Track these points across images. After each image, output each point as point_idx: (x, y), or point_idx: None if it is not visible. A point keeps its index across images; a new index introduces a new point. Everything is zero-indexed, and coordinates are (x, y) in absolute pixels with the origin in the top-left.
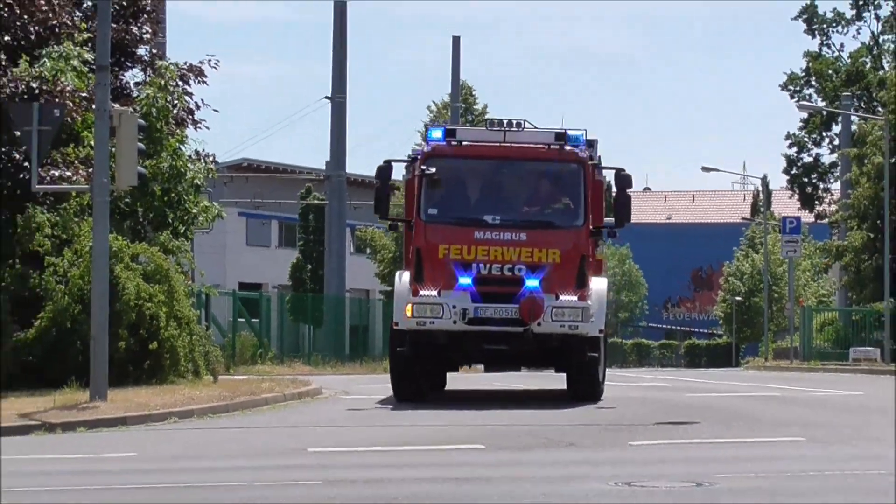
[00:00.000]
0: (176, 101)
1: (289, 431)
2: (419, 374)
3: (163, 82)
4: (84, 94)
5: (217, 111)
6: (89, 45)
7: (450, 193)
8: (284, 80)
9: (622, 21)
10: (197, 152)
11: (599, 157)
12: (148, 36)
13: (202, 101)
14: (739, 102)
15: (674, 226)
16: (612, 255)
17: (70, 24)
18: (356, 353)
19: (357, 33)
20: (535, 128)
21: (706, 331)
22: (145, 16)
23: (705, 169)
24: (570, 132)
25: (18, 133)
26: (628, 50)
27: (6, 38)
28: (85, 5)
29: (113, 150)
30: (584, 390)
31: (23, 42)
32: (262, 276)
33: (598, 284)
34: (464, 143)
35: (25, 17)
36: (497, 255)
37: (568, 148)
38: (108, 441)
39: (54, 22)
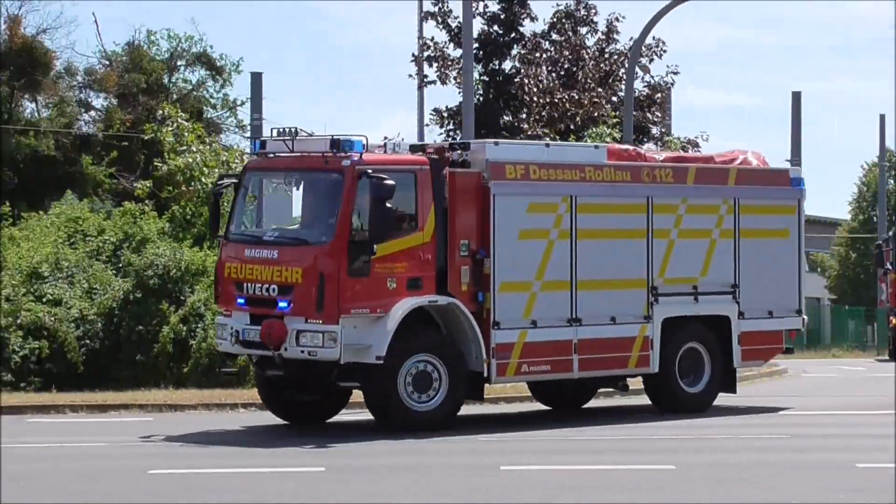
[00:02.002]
0: None
1: (763, 400)
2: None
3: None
4: None
5: None
6: (617, 127)
7: (247, 209)
8: (752, 147)
9: None
10: None
11: (464, 161)
12: (658, 119)
13: None
14: None
15: None
16: None
17: (604, 113)
18: (811, 343)
19: (809, 113)
20: (311, 135)
21: None
22: (656, 105)
23: None
24: (347, 139)
25: None
26: None
27: (561, 125)
28: (614, 99)
29: None
30: (382, 421)
31: (571, 127)
32: None
33: (400, 305)
34: (269, 155)
35: (574, 110)
36: (258, 275)
37: (335, 156)
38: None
39: (595, 113)
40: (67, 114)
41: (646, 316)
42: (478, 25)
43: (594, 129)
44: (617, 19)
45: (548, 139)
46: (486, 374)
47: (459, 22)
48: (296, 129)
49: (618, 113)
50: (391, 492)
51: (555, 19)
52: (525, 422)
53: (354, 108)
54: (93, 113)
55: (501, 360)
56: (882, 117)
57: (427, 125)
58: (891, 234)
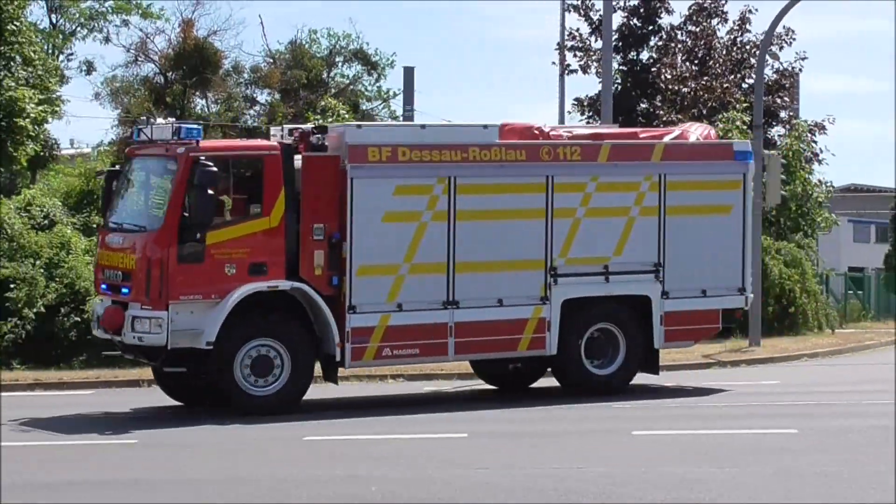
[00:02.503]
0: (805, 147)
1: (884, 367)
2: None
3: (797, 134)
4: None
5: (834, 155)
6: (748, 111)
7: (115, 197)
8: (876, 129)
9: None
10: (819, 181)
11: (322, 145)
12: (787, 104)
13: (825, 147)
14: None
15: None
16: None
17: (735, 99)
18: None
19: None
20: (166, 122)
21: None
22: (785, 90)
23: None
24: (188, 126)
25: None
26: None
27: (693, 111)
28: (744, 85)
29: (763, 180)
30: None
31: (704, 112)
32: (864, 262)
33: (237, 291)
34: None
35: (706, 95)
36: (112, 261)
37: (175, 143)
38: (760, 373)
39: (726, 99)
40: (234, 108)
41: (542, 297)
42: (618, 18)
43: (724, 115)
44: (750, 11)
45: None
46: (339, 358)
47: (600, 15)
48: (149, 116)
49: (748, 98)
50: None
51: (690, 11)
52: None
53: (501, 99)
54: (258, 107)
55: (358, 343)
56: None
57: (569, 112)
58: None
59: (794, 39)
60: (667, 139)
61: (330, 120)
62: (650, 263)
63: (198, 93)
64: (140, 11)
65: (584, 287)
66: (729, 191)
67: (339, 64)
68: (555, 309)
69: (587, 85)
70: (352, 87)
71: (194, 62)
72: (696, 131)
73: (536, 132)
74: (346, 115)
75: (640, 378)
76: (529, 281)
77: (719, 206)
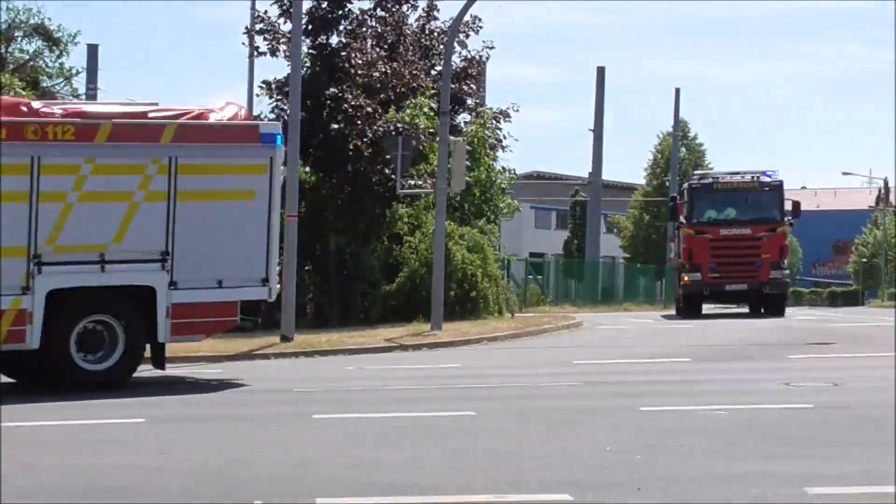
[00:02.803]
0: (490, 134)
1: (560, 350)
2: None
3: (482, 122)
4: (431, 130)
5: (517, 141)
6: (435, 98)
7: None
8: (560, 119)
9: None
10: (503, 167)
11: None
12: (473, 91)
13: (508, 133)
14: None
15: (822, 212)
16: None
17: (423, 85)
18: (605, 298)
19: (611, 87)
20: None
21: (842, 282)
22: (472, 78)
23: (844, 173)
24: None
25: (388, 156)
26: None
27: (382, 95)
28: (433, 72)
29: (449, 166)
30: None
31: (392, 97)
32: (545, 248)
33: None
34: None
35: (395, 81)
36: None
37: None
38: (442, 356)
39: (413, 84)
40: None
41: (24, 287)
42: (308, 2)
43: (413, 101)
44: None
45: (370, 109)
46: None
47: None
48: None
49: (436, 85)
50: None
51: None
52: None
53: (191, 79)
54: None
55: None
56: (677, 91)
57: (257, 96)
58: (685, 186)
59: (481, 27)
60: (183, 120)
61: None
62: (156, 252)
63: None
64: None
65: (74, 277)
66: (253, 175)
67: (19, 39)
68: (38, 300)
69: (278, 67)
70: (32, 63)
71: None
72: (226, 111)
73: (25, 109)
74: (24, 93)
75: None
76: (10, 270)
77: (241, 191)
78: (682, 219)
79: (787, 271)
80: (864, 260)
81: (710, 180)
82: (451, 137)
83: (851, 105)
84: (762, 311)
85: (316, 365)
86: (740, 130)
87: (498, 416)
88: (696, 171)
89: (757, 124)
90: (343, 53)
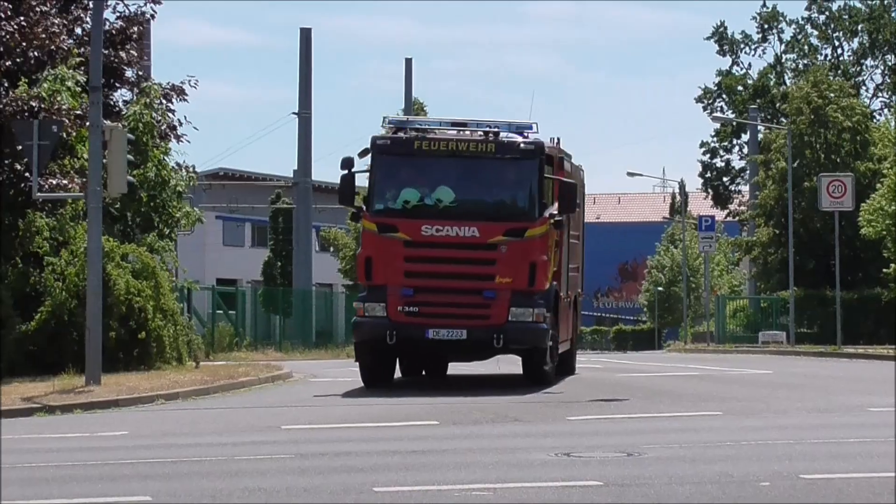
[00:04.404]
0: (160, 118)
1: (264, 411)
2: None
3: (148, 101)
4: (78, 112)
5: (197, 129)
6: (82, 68)
7: None
8: (256, 98)
9: (549, 45)
10: (178, 164)
11: None
12: (135, 59)
13: (185, 117)
14: (659, 115)
15: (602, 224)
16: None
17: (65, 49)
18: (322, 341)
19: (319, 56)
20: None
21: (632, 317)
22: (132, 42)
23: (630, 174)
24: None
25: (20, 147)
26: (557, 71)
27: (7, 62)
28: (78, 32)
29: (105, 161)
30: None
31: (23, 66)
32: (238, 272)
33: None
34: None
35: (24, 43)
36: None
37: None
38: (102, 421)
39: (51, 47)
40: None
41: None
42: None
43: (52, 71)
44: None
45: None
46: None
47: None
48: None
49: (83, 50)
50: None
51: None
52: None
53: None
54: None
55: None
56: (408, 61)
57: None
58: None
59: None
60: None
61: None
62: None
63: None
64: None
65: None
66: None
67: None
68: None
69: None
70: None
71: None
72: None
73: None
74: None
75: None
76: None
77: None
78: (362, 204)
79: (545, 310)
80: (660, 288)
81: (410, 134)
82: (107, 122)
83: (638, 84)
84: (526, 375)
85: None
86: (495, 109)
87: (181, 502)
88: (392, 118)
89: (513, 102)
90: None
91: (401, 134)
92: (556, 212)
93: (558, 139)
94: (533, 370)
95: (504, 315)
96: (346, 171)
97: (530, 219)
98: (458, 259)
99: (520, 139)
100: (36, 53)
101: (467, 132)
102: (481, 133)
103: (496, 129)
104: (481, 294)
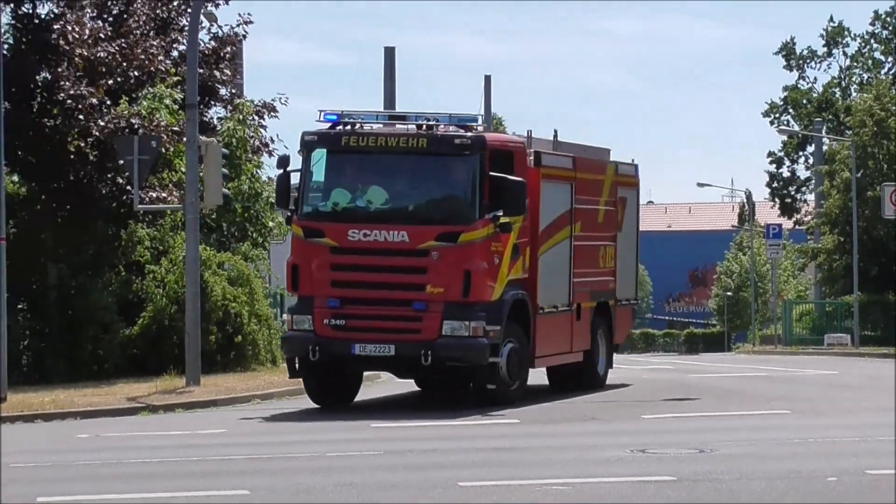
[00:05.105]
0: (252, 134)
1: (354, 409)
2: None
3: (241, 117)
4: (175, 128)
5: (287, 147)
6: (179, 87)
7: None
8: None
9: (621, 62)
10: (270, 177)
11: None
12: (228, 78)
13: (277, 135)
14: (727, 128)
15: (674, 233)
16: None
17: (163, 69)
18: None
19: (402, 73)
20: None
21: (702, 321)
22: (226, 62)
23: (700, 184)
24: None
25: (122, 162)
26: (629, 86)
27: (109, 82)
28: (175, 53)
29: (201, 174)
30: None
31: (124, 85)
32: None
33: None
34: None
35: (125, 63)
36: None
37: None
38: (202, 420)
39: (150, 68)
40: None
41: None
42: None
43: (151, 89)
44: None
45: (94, 99)
46: None
47: None
48: None
49: (179, 70)
50: None
51: None
52: None
53: None
54: None
55: None
56: (487, 78)
57: None
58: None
59: None
60: None
61: None
62: None
63: None
64: None
65: None
66: None
67: None
68: None
69: None
70: None
71: None
72: None
73: None
74: None
75: None
76: None
77: None
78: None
79: (485, 323)
80: (729, 293)
81: (339, 130)
82: (203, 138)
83: (706, 99)
84: (478, 395)
85: (38, 432)
86: (567, 124)
87: (278, 496)
88: (328, 112)
89: (589, 119)
90: (56, 27)
91: (329, 128)
92: (500, 213)
93: (529, 132)
94: (476, 389)
95: (436, 329)
96: (281, 171)
97: (467, 221)
98: (386, 267)
99: (458, 133)
100: (136, 73)
101: (396, 126)
102: (414, 125)
103: (432, 123)
104: (411, 305)
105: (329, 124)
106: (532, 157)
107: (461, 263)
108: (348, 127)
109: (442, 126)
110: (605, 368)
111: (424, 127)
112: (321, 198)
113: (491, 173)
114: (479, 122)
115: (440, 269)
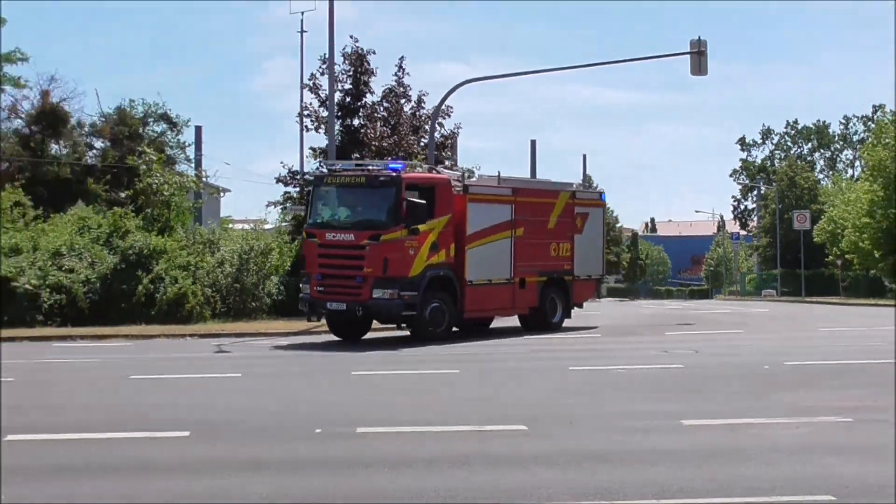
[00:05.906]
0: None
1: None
2: None
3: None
4: None
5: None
6: (425, 160)
7: None
8: None
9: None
10: None
11: None
12: (449, 156)
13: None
14: (711, 182)
15: (682, 236)
16: (652, 249)
17: (416, 152)
18: None
19: (542, 158)
20: None
21: (697, 284)
22: (448, 148)
23: (697, 211)
24: None
25: None
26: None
27: (388, 159)
28: (422, 142)
29: None
30: None
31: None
32: None
33: None
34: None
35: (397, 149)
36: None
37: None
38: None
39: (409, 151)
40: (78, 151)
41: None
42: (338, 95)
43: (409, 162)
44: (424, 94)
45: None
46: None
47: (326, 94)
48: None
49: (424, 151)
50: None
51: (385, 93)
52: None
53: (263, 148)
54: (94, 151)
55: None
56: (584, 157)
57: (307, 157)
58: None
59: (452, 112)
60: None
61: (142, 161)
62: None
63: (52, 140)
64: (13, 83)
65: None
66: None
67: (151, 122)
68: None
69: (320, 139)
70: (159, 138)
71: (50, 119)
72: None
73: None
74: (155, 159)
75: None
76: None
77: None
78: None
79: (400, 290)
80: (712, 269)
81: (324, 173)
82: None
83: (695, 167)
84: (413, 334)
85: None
86: (627, 187)
87: (478, 375)
88: (328, 162)
89: (635, 181)
90: (362, 131)
91: (321, 171)
92: (406, 224)
93: (471, 172)
94: (412, 331)
95: (368, 294)
96: (306, 195)
97: (387, 227)
98: (343, 255)
99: (385, 173)
100: (402, 154)
101: (357, 169)
102: (364, 169)
103: (371, 168)
104: (355, 280)
105: (321, 170)
106: (461, 188)
107: (382, 253)
108: (331, 170)
109: (377, 170)
110: (561, 318)
111: (364, 170)
112: (316, 214)
113: (406, 198)
114: (404, 166)
115: (371, 257)
